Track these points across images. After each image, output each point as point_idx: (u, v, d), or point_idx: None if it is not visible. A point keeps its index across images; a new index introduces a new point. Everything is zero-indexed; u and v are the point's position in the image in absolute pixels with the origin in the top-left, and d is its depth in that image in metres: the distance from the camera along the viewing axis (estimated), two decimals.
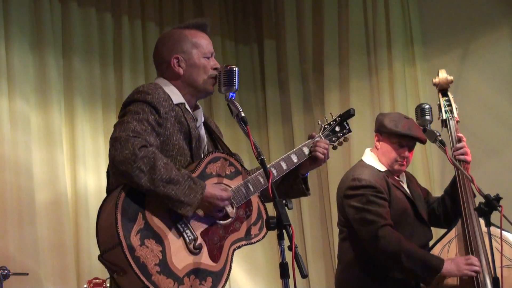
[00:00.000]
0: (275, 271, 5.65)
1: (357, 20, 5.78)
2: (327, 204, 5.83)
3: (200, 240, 2.64)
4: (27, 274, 4.34)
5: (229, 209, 2.72)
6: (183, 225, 2.62)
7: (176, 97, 2.81)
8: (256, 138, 5.94)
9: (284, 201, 2.52)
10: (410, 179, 3.93)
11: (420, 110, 3.66)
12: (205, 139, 2.90)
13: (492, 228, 3.34)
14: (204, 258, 2.64)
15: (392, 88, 5.58)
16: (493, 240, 3.33)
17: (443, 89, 3.91)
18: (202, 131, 2.89)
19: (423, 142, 3.77)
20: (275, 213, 2.46)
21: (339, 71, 5.89)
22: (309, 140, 3.05)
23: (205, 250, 2.65)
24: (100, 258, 2.59)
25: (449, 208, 3.82)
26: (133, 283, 2.50)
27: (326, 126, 3.15)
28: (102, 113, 5.29)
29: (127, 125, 2.62)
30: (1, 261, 4.24)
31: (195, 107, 2.91)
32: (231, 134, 5.70)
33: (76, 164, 5.08)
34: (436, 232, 3.92)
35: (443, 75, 3.92)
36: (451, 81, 3.91)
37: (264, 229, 2.77)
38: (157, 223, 2.58)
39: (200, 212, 2.66)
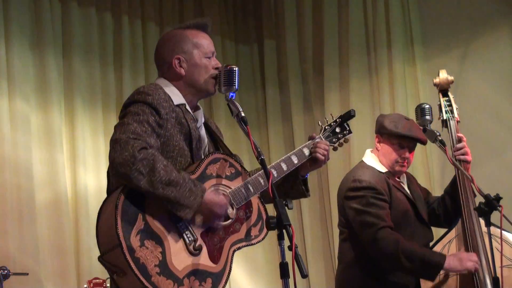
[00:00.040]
0: (275, 271, 5.65)
1: (357, 20, 5.78)
2: (327, 204, 5.83)
3: (200, 241, 2.64)
4: (27, 274, 4.34)
5: (229, 210, 2.72)
6: (183, 226, 2.62)
7: (177, 98, 2.81)
8: (256, 138, 5.94)
9: (284, 201, 2.52)
10: (410, 179, 3.93)
11: (420, 110, 3.67)
12: (206, 140, 2.89)
13: (492, 228, 3.34)
14: (204, 259, 2.64)
15: (392, 88, 5.58)
16: (493, 240, 3.33)
17: (443, 89, 3.91)
18: (203, 132, 2.89)
19: (423, 143, 3.76)
20: (275, 213, 2.46)
21: (339, 71, 5.89)
22: (309, 141, 3.05)
23: (205, 251, 2.65)
24: (100, 259, 2.59)
25: (450, 208, 3.83)
26: (133, 284, 2.50)
27: (326, 127, 3.14)
28: (102, 113, 5.29)
29: (127, 126, 2.61)
30: (1, 261, 4.24)
31: (195, 108, 2.91)
32: (231, 134, 5.70)
33: (76, 164, 5.07)
34: (437, 232, 3.92)
35: (443, 75, 3.92)
36: (452, 81, 3.91)
37: (264, 230, 2.77)
38: (157, 224, 2.58)
39: (199, 219, 2.65)
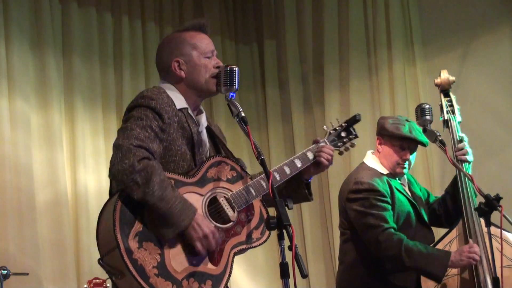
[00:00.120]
0: (275, 271, 5.65)
1: (357, 20, 5.78)
2: (327, 204, 5.83)
3: None
4: (27, 274, 4.33)
5: (230, 213, 2.72)
6: None
7: (179, 102, 2.81)
8: (256, 138, 5.94)
9: (284, 201, 2.52)
10: (411, 180, 3.94)
11: (420, 110, 3.67)
12: (207, 144, 2.89)
13: (492, 228, 3.34)
14: (204, 262, 2.63)
15: (392, 88, 5.58)
16: (493, 240, 3.34)
17: (445, 90, 3.91)
18: (204, 136, 2.88)
19: (424, 144, 3.76)
20: (275, 213, 2.46)
21: (339, 71, 5.88)
22: (313, 145, 3.03)
23: (205, 253, 2.64)
24: (100, 261, 2.59)
25: (450, 208, 3.83)
26: (132, 286, 2.51)
27: (331, 131, 3.12)
28: (102, 113, 5.28)
29: (130, 132, 2.62)
30: (1, 261, 4.23)
31: (198, 111, 2.90)
32: (231, 134, 5.70)
33: (76, 164, 5.07)
34: (437, 232, 3.92)
35: (444, 75, 3.92)
36: (453, 82, 3.92)
37: (266, 233, 2.76)
38: (156, 226, 2.58)
39: (179, 240, 2.61)
